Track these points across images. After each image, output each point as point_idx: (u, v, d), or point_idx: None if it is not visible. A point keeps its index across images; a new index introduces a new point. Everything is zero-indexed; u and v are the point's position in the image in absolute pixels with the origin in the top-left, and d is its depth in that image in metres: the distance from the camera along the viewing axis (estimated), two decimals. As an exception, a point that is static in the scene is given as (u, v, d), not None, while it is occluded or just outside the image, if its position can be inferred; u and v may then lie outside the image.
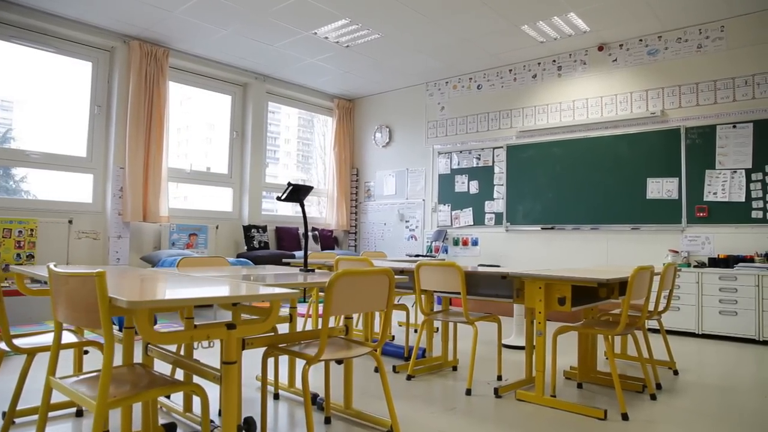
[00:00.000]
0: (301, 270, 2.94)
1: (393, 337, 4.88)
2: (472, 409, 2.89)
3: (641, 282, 3.01)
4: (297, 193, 2.97)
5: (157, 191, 6.68)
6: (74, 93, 6.41)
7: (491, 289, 3.39)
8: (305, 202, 3.04)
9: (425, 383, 3.41)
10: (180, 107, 7.71)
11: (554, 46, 6.58)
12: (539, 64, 6.99)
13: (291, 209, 8.88)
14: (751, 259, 5.25)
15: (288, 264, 4.56)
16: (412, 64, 7.38)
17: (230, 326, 1.76)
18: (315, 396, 2.91)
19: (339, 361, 2.62)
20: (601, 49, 6.45)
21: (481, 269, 3.46)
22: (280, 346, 2.42)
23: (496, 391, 3.13)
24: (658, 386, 3.37)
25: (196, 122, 7.69)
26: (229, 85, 7.83)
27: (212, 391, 2.46)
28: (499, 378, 3.52)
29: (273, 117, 9.00)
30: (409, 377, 3.49)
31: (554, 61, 6.85)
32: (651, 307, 3.60)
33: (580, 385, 3.39)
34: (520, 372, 3.66)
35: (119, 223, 6.50)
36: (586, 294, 3.21)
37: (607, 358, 4.12)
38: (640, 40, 6.19)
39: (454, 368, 3.79)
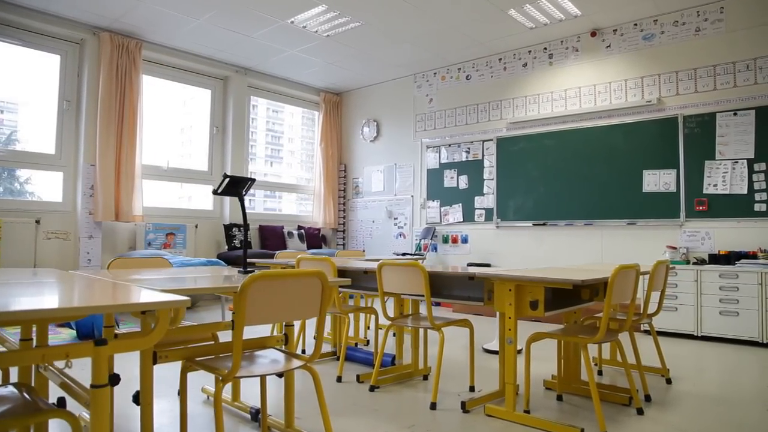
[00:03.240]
0: (240, 272, 2.63)
1: (368, 341, 4.56)
2: (433, 426, 2.57)
3: (624, 283, 2.68)
4: (236, 186, 2.65)
5: (130, 189, 6.39)
6: (42, 87, 6.13)
7: (461, 291, 3.07)
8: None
9: (389, 395, 3.09)
10: (183, 107, 7.50)
11: (545, 33, 6.23)
12: (530, 52, 6.64)
13: (281, 207, 8.59)
14: (754, 256, 4.89)
15: (253, 264, 4.25)
16: (398, 54, 7.05)
17: (99, 342, 1.45)
18: (257, 412, 2.60)
19: (280, 374, 2.31)
20: (593, 34, 6.10)
21: (443, 269, 3.14)
22: (198, 359, 2.11)
23: (463, 405, 2.81)
24: (647, 398, 3.03)
25: (177, 117, 7.38)
26: (208, 79, 7.53)
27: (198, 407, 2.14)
28: (472, 389, 3.19)
29: (276, 116, 8.80)
30: (372, 388, 3.18)
31: (545, 48, 6.50)
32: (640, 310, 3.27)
33: (560, 397, 3.05)
34: (497, 382, 3.33)
35: (90, 222, 6.22)
36: (567, 296, 2.90)
37: (595, 365, 3.80)
38: (635, 25, 5.83)
39: (425, 377, 3.47)
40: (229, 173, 7.97)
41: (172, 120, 7.29)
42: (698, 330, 4.86)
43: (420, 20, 5.94)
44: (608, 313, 2.55)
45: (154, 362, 2.07)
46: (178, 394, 3.03)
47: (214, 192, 2.66)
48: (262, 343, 2.38)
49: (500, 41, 6.52)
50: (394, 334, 4.66)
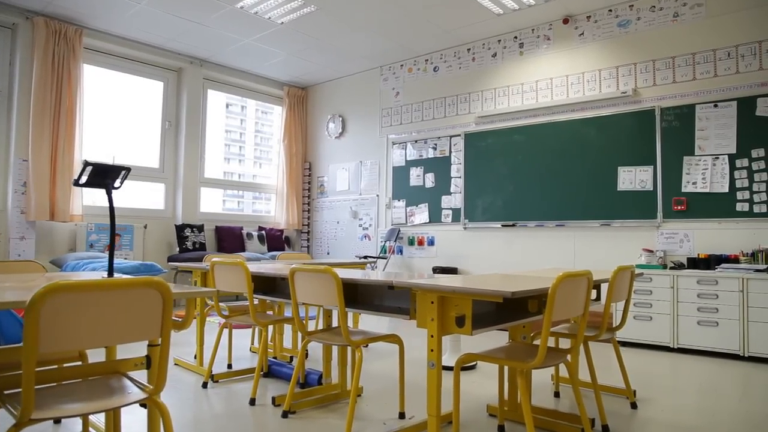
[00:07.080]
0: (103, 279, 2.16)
1: (307, 354, 4.09)
2: (337, 467, 2.12)
3: (571, 294, 2.23)
4: (103, 176, 2.19)
5: (67, 187, 5.90)
6: (-31, 75, 5.64)
7: (391, 302, 2.62)
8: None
9: (303, 422, 2.63)
10: (133, 100, 7.00)
11: (515, 20, 5.80)
12: (499, 41, 6.21)
13: (242, 206, 8.12)
14: (735, 259, 4.47)
15: (175, 268, 3.79)
16: (361, 44, 6.60)
17: None
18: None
19: (143, 404, 1.86)
20: (566, 21, 5.68)
21: (366, 276, 2.69)
22: (10, 392, 1.64)
23: (381, 438, 2.35)
24: (605, 429, 2.58)
25: (123, 111, 6.88)
26: (160, 70, 7.05)
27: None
28: (402, 416, 2.73)
29: (266, 117, 8.40)
30: (285, 414, 2.71)
31: (516, 37, 6.07)
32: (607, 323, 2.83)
33: (501, 428, 2.60)
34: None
35: (22, 222, 5.73)
36: (512, 308, 2.47)
37: (553, 383, 3.35)
38: (610, 11, 5.42)
39: (354, 400, 3.00)
40: (182, 170, 7.38)
41: (121, 113, 6.80)
42: (674, 341, 4.43)
43: (379, 6, 5.49)
44: (548, 332, 2.10)
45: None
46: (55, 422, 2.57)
47: (75, 183, 2.20)
48: (115, 368, 1.92)
49: (468, 29, 6.08)
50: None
